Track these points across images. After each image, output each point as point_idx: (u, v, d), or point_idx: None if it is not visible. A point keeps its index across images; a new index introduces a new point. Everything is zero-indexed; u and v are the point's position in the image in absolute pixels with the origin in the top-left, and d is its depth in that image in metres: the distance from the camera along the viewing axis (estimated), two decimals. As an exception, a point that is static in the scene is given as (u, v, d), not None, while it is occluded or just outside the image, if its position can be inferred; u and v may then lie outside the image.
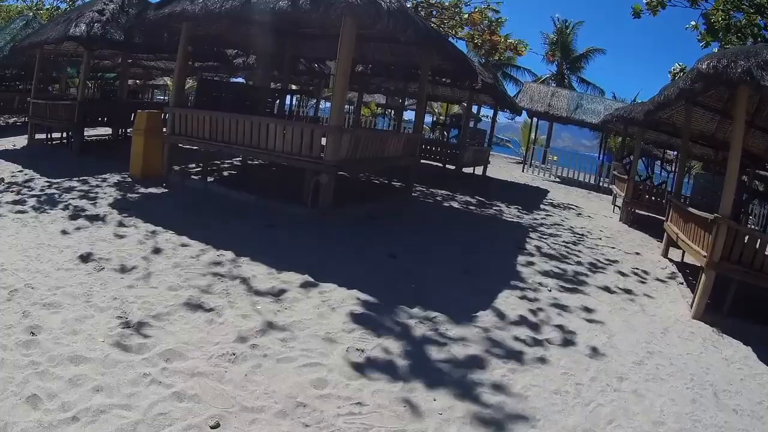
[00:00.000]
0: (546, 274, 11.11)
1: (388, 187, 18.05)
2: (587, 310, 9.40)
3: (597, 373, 7.07)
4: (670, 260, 14.44)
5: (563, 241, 14.58)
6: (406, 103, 48.94)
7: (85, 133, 19.53)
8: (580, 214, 20.74)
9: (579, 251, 13.71)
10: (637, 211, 20.10)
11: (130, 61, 25.41)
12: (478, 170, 27.04)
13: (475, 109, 32.03)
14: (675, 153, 34.04)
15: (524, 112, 34.57)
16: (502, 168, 35.02)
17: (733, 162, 10.20)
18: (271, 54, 19.44)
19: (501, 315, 8.45)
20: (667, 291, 11.56)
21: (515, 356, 7.15)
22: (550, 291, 10.08)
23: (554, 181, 32.74)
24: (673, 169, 36.26)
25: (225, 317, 7.09)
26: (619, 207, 22.17)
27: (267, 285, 8.36)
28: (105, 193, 12.98)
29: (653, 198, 20.15)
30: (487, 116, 52.89)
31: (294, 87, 31.24)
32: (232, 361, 6.02)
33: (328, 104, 43.90)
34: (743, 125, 10.30)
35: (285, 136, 12.48)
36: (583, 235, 16.14)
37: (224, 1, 11.86)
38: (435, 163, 23.16)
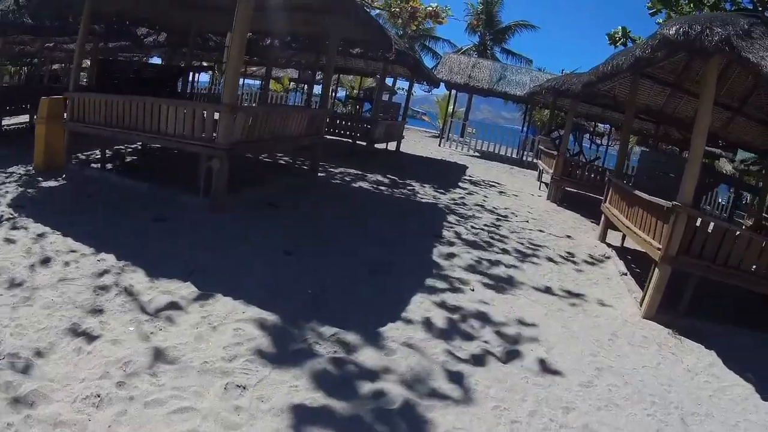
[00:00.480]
0: (468, 268, 9.67)
1: (292, 168, 16.49)
2: (519, 314, 8.03)
3: (537, 404, 5.74)
4: (609, 245, 13.37)
5: (485, 225, 13.26)
6: (318, 77, 47.81)
7: (5, 122, 17.89)
8: (503, 192, 19.48)
9: (504, 237, 12.36)
10: (567, 188, 19.01)
11: (50, 45, 24.91)
12: (392, 146, 25.76)
13: (390, 82, 30.71)
14: (606, 126, 33.81)
15: (443, 84, 32.95)
16: (417, 143, 33.43)
17: (698, 140, 8.93)
18: (178, 30, 18.17)
19: (416, 327, 6.98)
20: (609, 285, 10.34)
21: (433, 389, 5.72)
22: (473, 290, 8.65)
23: (474, 156, 31.40)
24: (604, 143, 35.83)
25: (94, 344, 5.75)
26: (546, 184, 21.10)
27: (145, 297, 6.83)
28: (6, 190, 11.13)
29: (586, 175, 19.08)
30: (403, 89, 51.87)
31: (205, 64, 29.28)
32: (97, 405, 4.83)
33: (247, 81, 43.39)
34: (712, 99, 9.06)
35: (177, 118, 10.96)
36: (506, 216, 14.87)
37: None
38: (346, 140, 21.55)
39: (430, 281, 8.66)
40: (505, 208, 16.02)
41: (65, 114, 12.94)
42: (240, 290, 7.22)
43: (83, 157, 14.01)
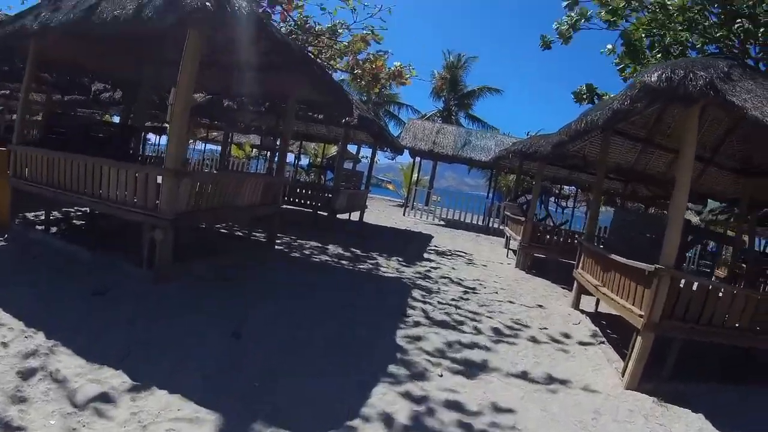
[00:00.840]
0: (436, 352, 8.86)
1: (248, 240, 15.63)
2: (493, 399, 7.32)
3: None
4: (582, 311, 12.85)
5: (452, 299, 12.53)
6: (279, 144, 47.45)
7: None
8: (470, 261, 18.94)
9: (474, 313, 11.61)
10: (536, 254, 18.65)
11: (6, 92, 23.94)
12: (356, 215, 25.07)
13: (354, 149, 30.31)
14: (572, 188, 33.35)
15: (407, 152, 32.82)
16: (381, 212, 32.99)
17: (680, 196, 8.44)
18: (132, 84, 17.32)
19: (375, 427, 6.17)
20: (587, 355, 9.76)
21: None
22: (441, 376, 7.90)
23: (439, 225, 30.99)
24: (569, 205, 35.36)
25: (11, 438, 4.93)
26: (513, 251, 20.77)
27: (72, 385, 5.97)
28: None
29: (555, 239, 18.76)
30: (366, 157, 51.73)
31: (156, 124, 28.55)
32: None
33: (209, 146, 42.52)
34: (694, 148, 8.66)
35: (119, 182, 10.13)
36: (474, 289, 14.19)
37: (66, 12, 9.81)
38: (308, 210, 20.91)
39: (393, 368, 7.88)
40: (473, 280, 15.41)
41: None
42: (178, 380, 6.41)
43: (31, 216, 13.18)
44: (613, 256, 10.05)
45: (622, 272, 9.57)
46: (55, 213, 13.25)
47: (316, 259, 14.69)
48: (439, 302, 12.03)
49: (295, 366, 7.44)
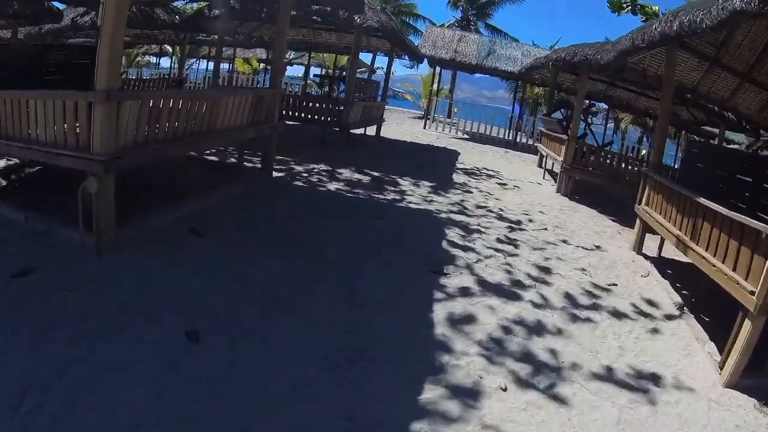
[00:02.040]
0: (492, 343, 5.97)
1: (238, 169, 12.45)
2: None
3: None
4: (645, 256, 10.47)
5: (499, 242, 9.72)
6: (292, 56, 44.09)
7: None
8: (505, 184, 16.04)
9: (531, 264, 8.83)
10: (577, 177, 15.77)
11: None
12: (371, 130, 22.09)
13: (369, 60, 27.13)
14: (602, 105, 30.75)
15: (425, 62, 29.46)
16: (400, 125, 29.85)
17: None
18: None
19: None
20: (672, 330, 7.24)
21: None
22: (505, 390, 5.08)
23: (462, 139, 27.97)
24: (594, 122, 32.55)
25: None
26: (550, 171, 18.50)
27: None
28: None
29: (602, 162, 15.80)
30: (382, 68, 48.34)
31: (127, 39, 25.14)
32: None
33: (223, 65, 39.08)
34: None
35: (47, 118, 6.95)
36: (520, 223, 11.45)
37: None
38: (317, 126, 17.92)
39: (430, 385, 4.97)
40: (516, 209, 12.68)
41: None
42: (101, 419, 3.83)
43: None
44: (707, 202, 7.28)
45: (721, 226, 6.82)
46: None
47: (324, 189, 11.78)
48: (484, 247, 9.23)
49: (282, 386, 4.67)
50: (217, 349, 5.02)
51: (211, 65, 40.90)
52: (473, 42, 30.62)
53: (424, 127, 30.34)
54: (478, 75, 33.27)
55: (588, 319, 6.99)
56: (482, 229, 10.34)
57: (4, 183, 9.34)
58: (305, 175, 12.82)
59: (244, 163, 12.64)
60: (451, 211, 11.44)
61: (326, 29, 22.39)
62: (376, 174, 14.08)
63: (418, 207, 11.46)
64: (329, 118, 17.29)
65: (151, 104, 7.43)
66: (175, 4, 19.49)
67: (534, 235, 10.64)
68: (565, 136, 16.58)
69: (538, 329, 6.49)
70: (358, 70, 25.59)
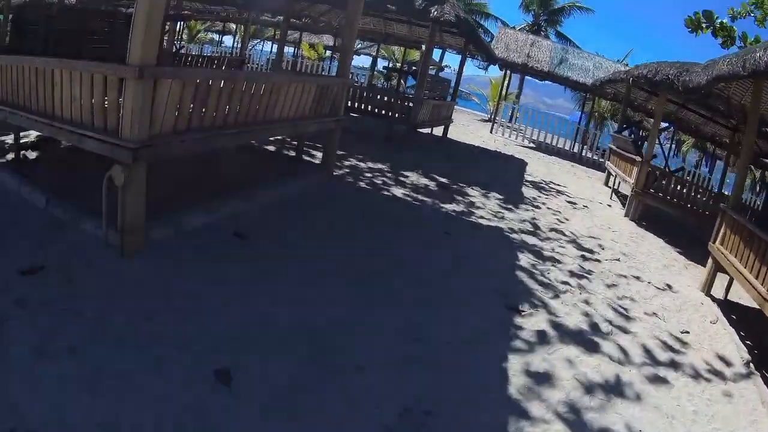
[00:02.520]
0: (569, 411, 5.05)
1: (296, 164, 11.31)
2: None
3: None
4: (713, 298, 9.69)
5: (573, 274, 8.80)
6: (360, 46, 42.99)
7: None
8: (574, 203, 14.96)
9: (608, 305, 7.95)
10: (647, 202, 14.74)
11: None
12: (438, 130, 20.94)
13: (437, 55, 26.09)
14: (667, 125, 29.47)
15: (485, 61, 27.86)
16: (467, 127, 28.66)
17: None
18: None
19: None
20: (740, 392, 6.50)
21: None
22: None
23: (529, 147, 26.66)
24: (664, 142, 31.30)
25: None
26: (618, 192, 17.73)
27: None
28: None
29: (677, 190, 14.68)
30: (450, 67, 46.97)
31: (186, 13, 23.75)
32: None
33: (287, 47, 37.83)
34: None
35: (73, 93, 5.98)
36: (592, 251, 10.54)
37: None
38: (383, 121, 16.86)
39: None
40: (588, 234, 11.74)
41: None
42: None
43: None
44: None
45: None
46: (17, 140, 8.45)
47: (388, 194, 10.79)
48: (559, 281, 8.29)
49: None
50: (254, 402, 4.11)
51: (276, 48, 40.18)
52: (546, 48, 29.34)
53: (491, 132, 29.14)
54: (542, 81, 32.03)
55: (664, 379, 6.21)
56: (556, 256, 9.43)
57: (32, 156, 8.38)
58: (368, 175, 11.88)
59: (303, 157, 11.68)
60: (523, 231, 10.48)
61: (398, 20, 21.43)
62: (443, 180, 13.10)
63: (489, 223, 10.50)
64: (397, 114, 16.32)
65: (197, 84, 6.38)
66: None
67: (607, 267, 9.78)
68: (638, 158, 15.38)
69: (616, 389, 5.67)
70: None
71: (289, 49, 39.42)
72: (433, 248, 8.40)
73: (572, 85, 29.79)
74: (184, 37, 39.74)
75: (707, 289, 9.89)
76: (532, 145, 27.57)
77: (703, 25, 15.61)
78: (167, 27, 23.51)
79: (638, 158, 15.28)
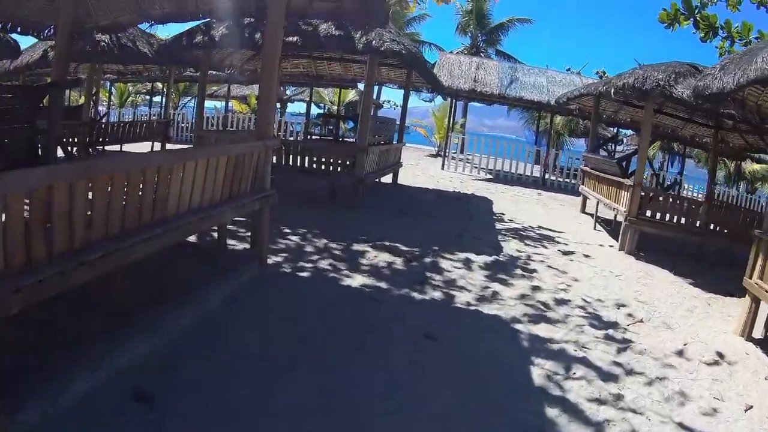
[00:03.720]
0: None
1: (214, 258, 7.90)
2: None
3: None
4: (754, 342, 8.08)
5: (605, 378, 6.27)
6: (293, 91, 40.37)
7: None
8: (569, 251, 12.43)
9: (658, 417, 5.60)
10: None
11: None
12: (387, 177, 18.26)
13: (375, 92, 23.69)
14: (627, 132, 28.56)
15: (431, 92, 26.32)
16: (415, 166, 26.05)
17: None
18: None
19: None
20: None
21: None
22: None
23: (486, 179, 24.48)
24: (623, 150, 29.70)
25: None
26: (600, 220, 15.97)
27: None
28: None
29: (681, 209, 13.25)
30: (390, 102, 44.63)
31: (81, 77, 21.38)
32: None
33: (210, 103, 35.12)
34: None
35: None
36: (617, 325, 8.08)
37: None
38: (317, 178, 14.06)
39: None
40: (598, 296, 9.34)
41: None
42: None
43: None
44: None
45: None
46: None
47: (341, 286, 8.04)
48: (592, 400, 5.63)
49: None
50: None
51: (214, 104, 37.53)
52: (493, 69, 26.91)
53: (442, 168, 26.67)
54: (477, 104, 29.92)
55: None
56: (577, 351, 6.88)
57: None
58: (313, 257, 9.12)
59: (230, 242, 8.77)
60: (527, 316, 7.84)
61: (329, 58, 18.97)
62: (407, 249, 10.39)
63: (480, 309, 7.84)
64: (339, 168, 13.68)
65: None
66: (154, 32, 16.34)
67: (637, 342, 7.49)
68: (626, 181, 13.36)
69: None
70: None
71: (216, 104, 36.93)
72: (415, 371, 5.69)
73: (528, 106, 27.79)
74: (114, 101, 37.22)
75: (747, 332, 8.25)
76: (489, 176, 25.40)
77: (681, 18, 13.94)
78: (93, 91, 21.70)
79: (626, 181, 13.29)
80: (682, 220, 13.02)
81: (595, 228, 15.44)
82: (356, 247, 10.07)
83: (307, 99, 30.91)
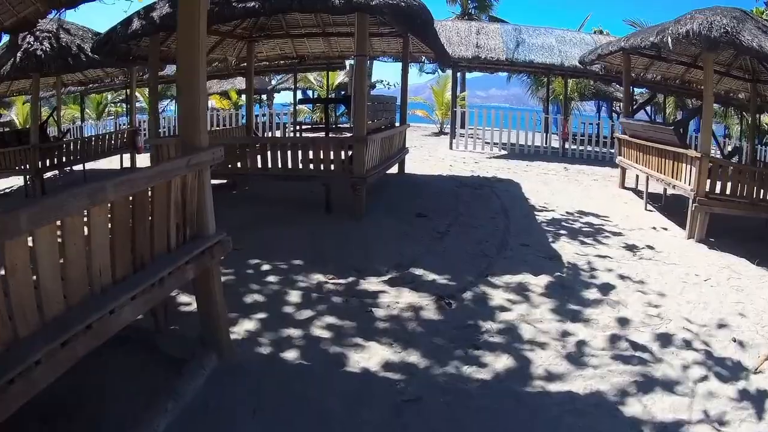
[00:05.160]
0: None
1: (153, 355, 4.86)
2: None
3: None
4: None
5: None
6: (278, 79, 36.77)
7: None
8: (630, 245, 9.68)
9: None
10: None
11: None
12: (393, 168, 14.41)
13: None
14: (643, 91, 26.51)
15: (436, 64, 21.54)
16: (420, 148, 22.35)
17: None
18: None
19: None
20: None
21: None
22: None
23: (501, 156, 21.20)
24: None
25: None
26: (641, 194, 13.44)
27: None
28: None
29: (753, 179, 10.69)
30: (384, 81, 41.34)
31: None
32: None
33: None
34: None
35: None
36: (744, 371, 5.63)
37: None
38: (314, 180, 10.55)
39: None
40: (705, 323, 6.66)
41: None
42: None
43: None
44: None
45: None
46: None
47: (349, 369, 5.19)
48: None
49: None
50: None
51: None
52: (496, 33, 23.60)
53: (451, 147, 23.08)
54: (472, 75, 26.91)
55: None
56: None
57: None
58: (303, 314, 6.17)
59: (168, 326, 5.71)
60: (635, 384, 5.18)
61: (309, 34, 15.83)
62: (439, 279, 7.39)
63: (572, 390, 4.98)
64: (333, 166, 10.36)
65: None
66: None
67: None
68: (690, 152, 10.66)
69: None
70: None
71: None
72: None
73: (536, 70, 24.65)
74: (90, 113, 34.09)
75: None
76: (504, 152, 22.21)
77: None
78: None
79: (691, 152, 10.57)
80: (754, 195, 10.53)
81: (646, 208, 12.69)
82: (365, 285, 7.06)
83: (293, 87, 27.63)
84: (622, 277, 7.92)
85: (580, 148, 22.15)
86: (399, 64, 16.01)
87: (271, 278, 7.06)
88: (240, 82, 28.82)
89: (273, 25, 14.84)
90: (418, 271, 7.48)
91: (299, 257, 7.81)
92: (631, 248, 9.42)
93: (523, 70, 24.39)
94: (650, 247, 9.53)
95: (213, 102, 32.71)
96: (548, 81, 26.81)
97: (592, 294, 7.20)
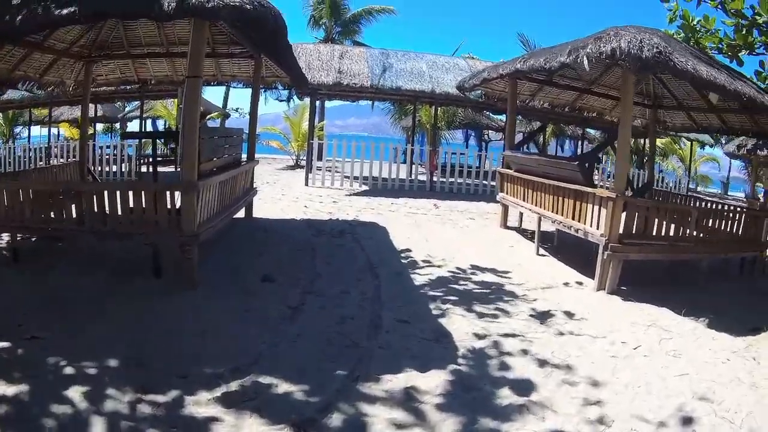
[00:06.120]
0: None
1: None
2: None
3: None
4: None
5: None
6: (128, 108, 34.08)
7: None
8: (545, 312, 7.79)
9: None
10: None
11: None
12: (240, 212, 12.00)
13: (220, 96, 18.35)
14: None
15: (293, 91, 20.68)
16: (273, 185, 20.20)
17: None
18: None
19: None
20: None
21: None
22: None
23: (360, 193, 19.10)
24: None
25: None
26: (526, 233, 12.88)
27: None
28: None
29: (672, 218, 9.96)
30: (240, 110, 39.12)
31: None
32: None
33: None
34: None
35: None
36: None
37: None
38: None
39: None
40: (664, 421, 4.99)
41: None
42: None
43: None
44: None
45: None
46: None
47: None
48: None
49: None
50: None
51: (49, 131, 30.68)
52: (361, 57, 21.89)
53: (307, 183, 20.55)
54: (331, 103, 25.52)
55: None
56: None
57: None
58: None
59: None
60: None
61: (151, 54, 13.10)
62: (294, 392, 5.08)
63: None
64: (158, 221, 7.78)
65: None
66: None
67: None
68: (602, 192, 9.23)
69: None
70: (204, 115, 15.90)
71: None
72: None
73: (405, 98, 22.96)
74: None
75: None
76: (365, 187, 20.16)
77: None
78: None
79: (602, 192, 9.14)
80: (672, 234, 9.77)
81: (538, 252, 11.21)
82: (191, 407, 4.65)
83: (140, 116, 24.91)
84: (540, 362, 6.01)
85: (450, 179, 20.57)
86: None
87: (73, 392, 4.65)
88: (99, 108, 26.39)
89: (113, 44, 12.18)
90: (264, 378, 5.10)
91: (114, 354, 5.34)
92: (541, 316, 7.56)
93: (389, 98, 22.68)
94: (564, 312, 7.78)
95: (63, 131, 29.86)
96: (415, 109, 25.06)
97: (506, 397, 5.14)
